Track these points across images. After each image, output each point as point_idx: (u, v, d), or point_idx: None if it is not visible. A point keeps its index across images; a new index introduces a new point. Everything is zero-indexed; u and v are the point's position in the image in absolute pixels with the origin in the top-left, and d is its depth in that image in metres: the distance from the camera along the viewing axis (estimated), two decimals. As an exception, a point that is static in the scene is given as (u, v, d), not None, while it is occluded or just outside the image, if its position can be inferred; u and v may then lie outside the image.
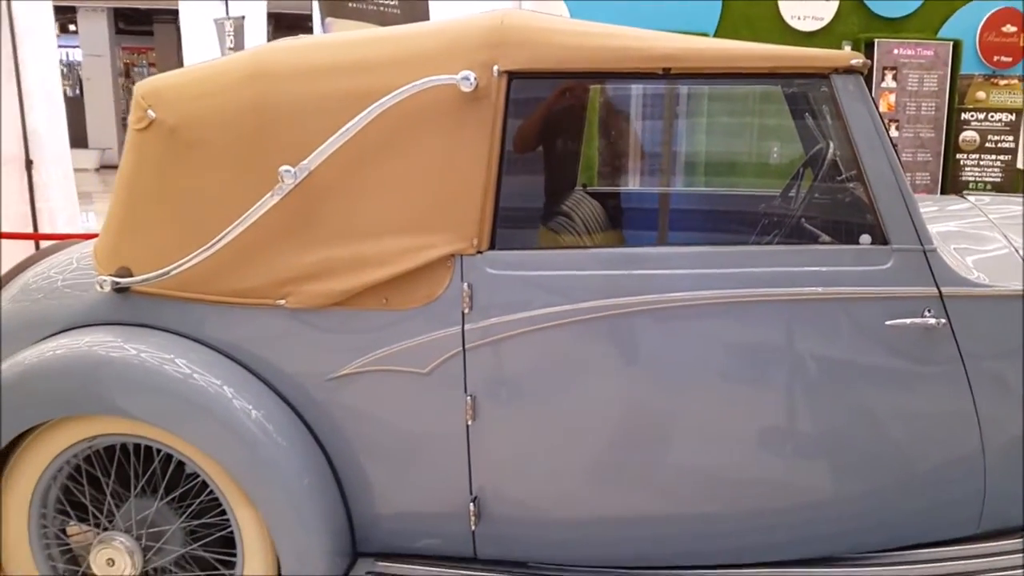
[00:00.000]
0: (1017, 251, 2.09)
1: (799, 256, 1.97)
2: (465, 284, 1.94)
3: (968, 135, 6.58)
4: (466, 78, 1.89)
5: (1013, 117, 6.62)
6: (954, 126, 6.66)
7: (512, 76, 1.93)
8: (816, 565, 2.03)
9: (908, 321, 1.91)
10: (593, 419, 2.00)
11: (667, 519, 2.06)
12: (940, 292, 1.92)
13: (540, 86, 2.26)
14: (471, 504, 2.01)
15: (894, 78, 6.58)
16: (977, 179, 6.64)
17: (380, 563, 2.05)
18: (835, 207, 2.24)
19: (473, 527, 2.03)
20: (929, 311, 1.92)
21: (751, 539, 2.06)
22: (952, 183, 6.67)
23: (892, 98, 6.60)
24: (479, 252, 1.94)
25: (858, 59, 1.93)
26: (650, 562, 2.06)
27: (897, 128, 6.65)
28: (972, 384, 1.97)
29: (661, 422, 2.00)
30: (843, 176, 2.13)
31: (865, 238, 1.94)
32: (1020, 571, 1.93)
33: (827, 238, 2.11)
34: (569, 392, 1.99)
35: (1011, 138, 6.59)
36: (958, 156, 6.64)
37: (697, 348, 1.98)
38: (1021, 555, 1.98)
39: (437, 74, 1.90)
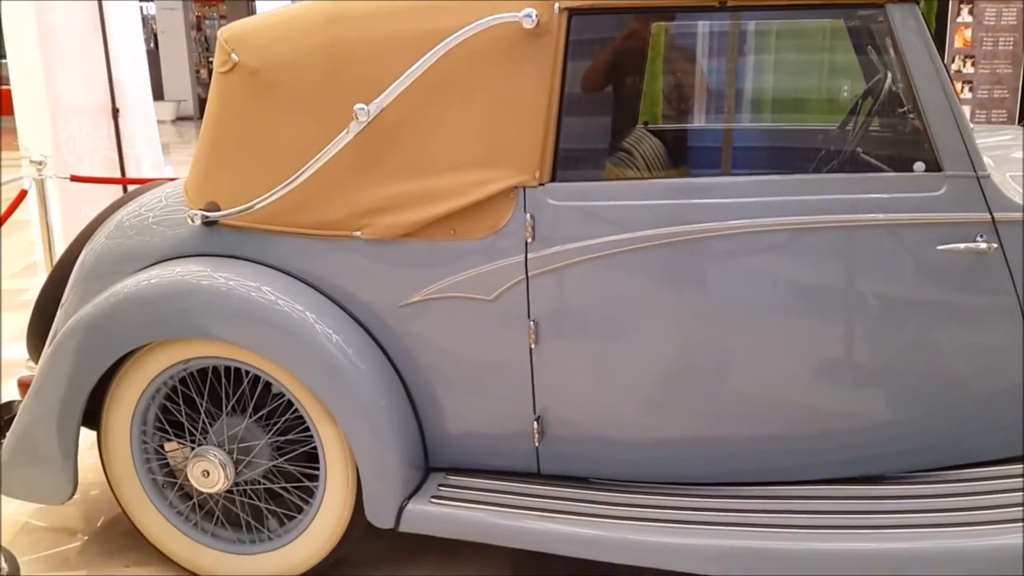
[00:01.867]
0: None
1: (854, 184, 2.02)
2: (528, 215, 2.04)
3: (1048, 69, 6.37)
4: (528, 15, 1.97)
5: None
6: (1034, 61, 6.45)
7: (572, 13, 2.00)
8: (870, 483, 2.11)
9: (961, 246, 1.96)
10: (652, 344, 2.10)
11: (724, 440, 2.16)
12: (993, 217, 1.96)
13: (600, 22, 2.32)
14: (534, 423, 2.14)
15: (970, 12, 6.38)
16: (1057, 115, 6.44)
17: (451, 477, 2.20)
18: (892, 137, 2.27)
19: (537, 444, 2.16)
20: (981, 236, 1.96)
21: (807, 459, 2.15)
22: (1030, 120, 6.48)
23: (968, 33, 6.41)
24: (541, 184, 2.04)
25: None
26: (707, 479, 2.17)
27: (973, 64, 6.47)
28: (1023, 310, 2.00)
29: (718, 347, 2.09)
30: (899, 106, 2.15)
31: (919, 165, 1.97)
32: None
33: (884, 167, 2.15)
34: (629, 318, 2.09)
35: (1098, 72, 6.35)
36: (1037, 92, 6.44)
37: (755, 276, 2.05)
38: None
39: (501, 12, 1.98)
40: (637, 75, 3.04)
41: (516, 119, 2.03)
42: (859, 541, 1.92)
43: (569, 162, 2.10)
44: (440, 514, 2.07)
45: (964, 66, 6.43)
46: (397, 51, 2.04)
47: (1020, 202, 1.98)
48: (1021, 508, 1.95)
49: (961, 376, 2.08)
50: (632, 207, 2.04)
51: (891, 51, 2.02)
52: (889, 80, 2.16)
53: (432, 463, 2.24)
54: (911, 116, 2.00)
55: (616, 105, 2.87)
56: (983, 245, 1.95)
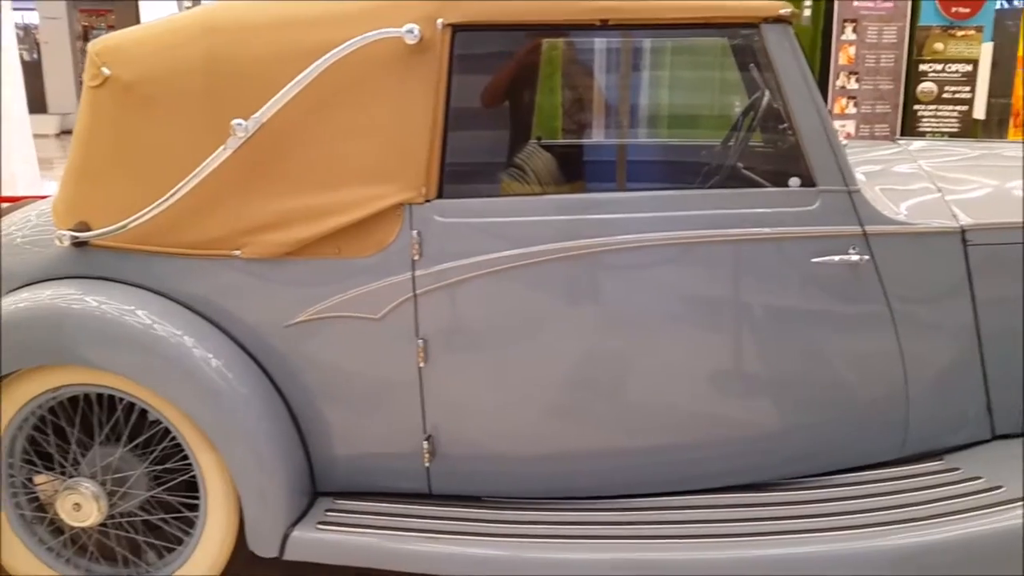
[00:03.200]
0: (939, 190, 2.20)
1: (736, 199, 2.06)
2: (414, 232, 2.01)
3: (926, 86, 6.68)
4: (410, 31, 1.95)
5: (970, 68, 6.73)
6: (912, 78, 6.77)
7: (456, 28, 1.99)
8: (758, 490, 2.15)
9: (835, 258, 2.02)
10: (546, 360, 2.09)
11: (617, 453, 2.17)
12: (864, 230, 2.02)
13: (487, 39, 2.32)
14: (424, 443, 2.11)
15: (854, 30, 6.66)
16: (934, 130, 6.76)
17: (339, 501, 2.15)
18: (771, 153, 2.33)
19: (427, 464, 2.13)
20: (853, 248, 2.02)
21: (699, 468, 2.18)
22: (910, 134, 6.79)
23: (852, 50, 6.68)
24: (427, 201, 2.01)
25: (786, 8, 2.00)
26: (600, 492, 2.17)
27: (857, 80, 6.74)
28: (895, 317, 2.08)
29: (612, 361, 2.10)
30: (777, 123, 2.21)
31: (794, 181, 2.03)
32: (940, 489, 2.05)
33: (764, 182, 2.21)
34: (523, 334, 2.08)
35: (968, 88, 6.70)
36: (916, 107, 6.75)
37: (647, 289, 2.07)
38: (941, 475, 2.10)
39: (384, 27, 1.95)
40: (530, 91, 3.05)
41: (401, 135, 2.00)
42: (750, 548, 1.95)
43: (457, 178, 2.08)
44: (326, 540, 2.02)
45: (848, 82, 6.70)
46: (278, 65, 1.99)
47: (889, 215, 2.05)
48: (903, 510, 2.02)
49: (841, 382, 2.14)
50: (524, 223, 2.04)
51: (764, 68, 2.07)
52: (767, 98, 2.21)
53: (320, 487, 2.18)
54: (788, 133, 2.06)
55: (507, 121, 2.88)
56: (855, 257, 2.02)
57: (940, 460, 2.18)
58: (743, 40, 2.37)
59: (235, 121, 1.96)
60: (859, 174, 2.13)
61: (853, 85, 6.69)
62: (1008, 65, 6.98)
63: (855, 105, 6.70)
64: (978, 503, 1.97)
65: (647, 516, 2.10)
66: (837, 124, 6.77)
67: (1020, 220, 2.15)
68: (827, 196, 2.01)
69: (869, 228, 2.03)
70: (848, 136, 6.60)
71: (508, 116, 2.87)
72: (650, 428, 2.15)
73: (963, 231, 2.08)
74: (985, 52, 6.68)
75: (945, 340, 2.14)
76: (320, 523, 2.06)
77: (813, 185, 2.02)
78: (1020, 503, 1.92)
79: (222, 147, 1.98)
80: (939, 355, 2.14)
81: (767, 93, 2.26)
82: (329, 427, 2.13)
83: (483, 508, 2.13)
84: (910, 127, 6.74)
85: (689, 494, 2.18)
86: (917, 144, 2.61)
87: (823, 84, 6.74)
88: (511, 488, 2.18)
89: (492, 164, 2.61)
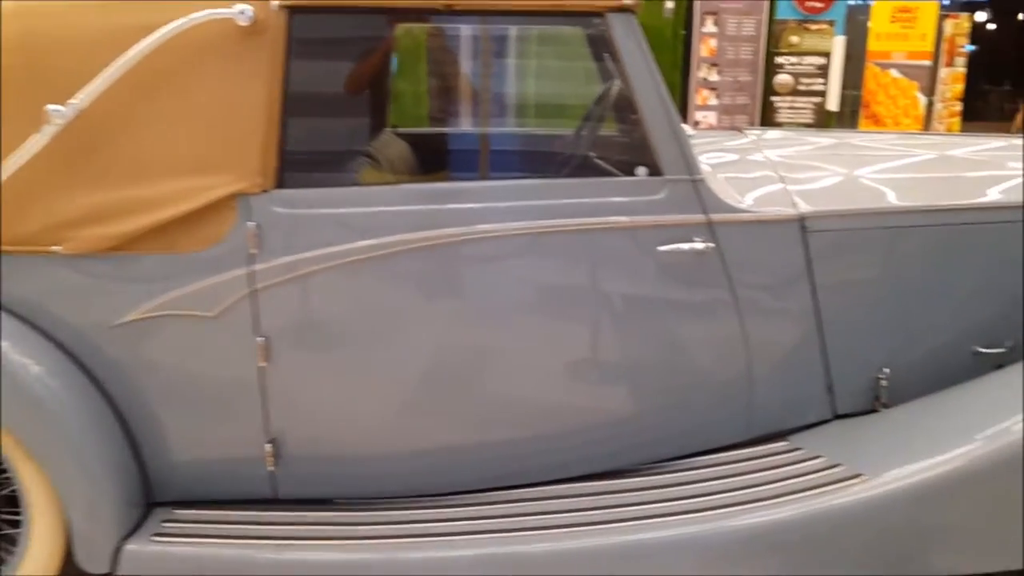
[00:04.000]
0: (781, 179, 2.25)
1: (588, 188, 2.05)
2: (252, 224, 1.91)
3: (782, 78, 6.95)
4: (243, 12, 1.85)
5: (824, 61, 7.03)
6: (770, 70, 7.02)
7: (293, 11, 1.89)
8: (614, 478, 2.16)
9: (682, 247, 2.03)
10: (401, 354, 2.03)
11: (474, 447, 2.13)
12: (708, 219, 2.05)
13: (330, 22, 2.23)
14: (268, 446, 2.01)
15: (714, 23, 6.85)
16: (791, 120, 7.04)
17: (177, 511, 2.03)
18: (620, 142, 2.34)
19: (272, 469, 2.04)
20: (698, 237, 2.04)
21: (556, 458, 2.16)
22: (769, 125, 7.05)
23: (713, 43, 6.87)
24: (265, 191, 1.91)
25: None
26: (458, 488, 2.13)
27: (718, 72, 6.94)
28: (739, 303, 2.12)
29: (470, 353, 2.06)
30: (626, 112, 2.22)
31: (642, 170, 2.04)
32: (784, 469, 2.11)
33: (615, 171, 2.21)
34: (375, 328, 2.01)
35: (822, 81, 7.00)
36: (773, 99, 7.01)
37: (495, 280, 2.04)
38: (785, 455, 2.16)
39: (213, 8, 1.85)
40: (384, 78, 2.96)
41: (233, 123, 1.89)
42: (607, 536, 1.95)
43: (300, 167, 1.99)
44: (161, 552, 1.90)
45: (710, 74, 6.89)
46: (100, 47, 1.85)
47: (733, 204, 2.08)
48: (749, 491, 2.06)
49: (689, 368, 2.17)
50: (374, 213, 1.97)
51: (614, 59, 2.07)
52: (614, 86, 2.21)
53: (157, 497, 2.05)
54: (636, 122, 2.06)
55: (358, 108, 2.79)
56: (700, 245, 2.04)
57: (785, 441, 2.24)
58: (595, 30, 2.37)
59: (51, 107, 1.81)
60: (704, 164, 2.15)
61: (714, 77, 6.88)
62: (859, 58, 7.33)
63: (717, 96, 6.91)
64: (819, 481, 2.03)
65: (505, 510, 2.08)
66: (699, 115, 6.96)
67: (857, 207, 2.23)
68: (672, 185, 2.03)
69: (713, 217, 2.05)
70: (697, 126, 6.78)
71: (359, 104, 2.78)
72: (505, 421, 2.13)
73: (802, 219, 2.14)
74: (837, 45, 6.98)
75: (787, 325, 2.20)
76: (156, 535, 1.94)
77: (659, 174, 2.03)
78: (857, 479, 1.98)
79: (36, 135, 1.83)
80: (782, 339, 2.20)
81: (615, 82, 2.26)
82: (165, 433, 2.01)
83: (333, 511, 2.06)
84: (768, 118, 7.00)
85: (546, 485, 2.16)
86: (765, 134, 2.67)
87: (685, 76, 6.92)
88: (365, 489, 2.11)
89: (340, 153, 2.52)
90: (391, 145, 2.82)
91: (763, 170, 2.30)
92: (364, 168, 2.56)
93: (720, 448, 2.24)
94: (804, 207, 2.16)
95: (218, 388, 1.99)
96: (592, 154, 2.37)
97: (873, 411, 2.30)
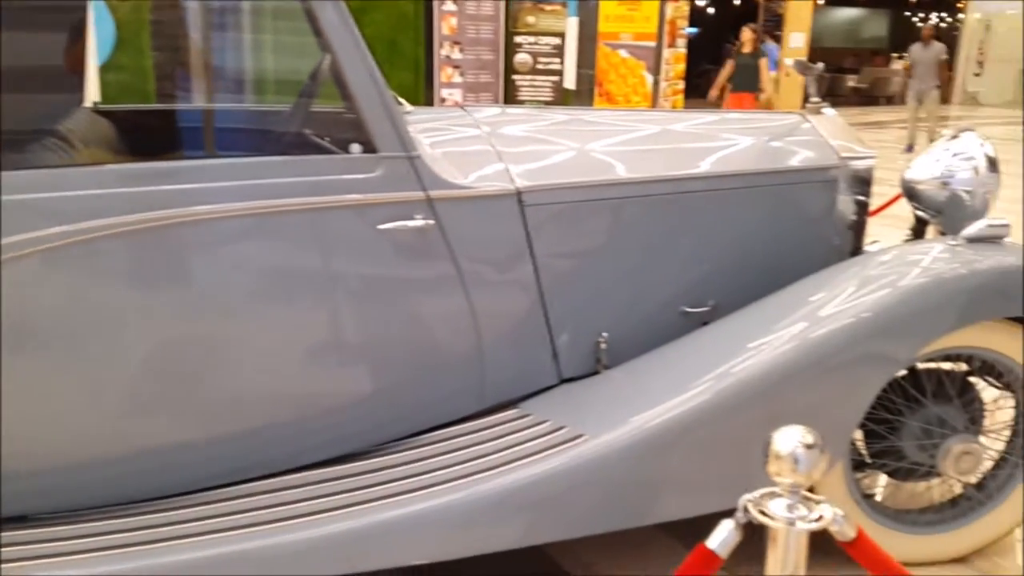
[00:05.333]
0: (500, 155, 2.30)
1: (301, 167, 1.99)
2: None
3: (521, 57, 7.18)
4: None
5: (559, 41, 7.33)
6: (510, 49, 7.22)
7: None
8: (340, 463, 2.13)
9: (400, 224, 2.03)
10: (108, 350, 1.87)
11: (198, 444, 2.01)
12: (428, 195, 2.06)
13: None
14: None
15: (454, 1, 6.92)
16: (532, 98, 7.30)
17: None
18: (336, 119, 2.29)
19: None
20: (419, 214, 2.05)
21: (285, 448, 2.10)
22: (512, 103, 7.26)
23: (454, 21, 6.95)
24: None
25: None
26: (185, 487, 2.01)
27: (461, 50, 7.04)
28: (464, 278, 2.15)
29: (183, 344, 1.95)
30: (340, 88, 2.17)
31: (355, 147, 2.00)
32: (515, 435, 2.17)
33: (334, 148, 2.16)
34: (74, 324, 1.83)
35: (558, 60, 7.30)
36: (515, 77, 7.23)
37: (211, 266, 1.93)
38: (516, 422, 2.23)
39: None
40: (77, 50, 2.70)
41: None
42: (354, 519, 1.91)
43: None
44: None
45: (453, 52, 6.97)
46: None
47: (451, 180, 2.10)
48: (484, 459, 2.10)
49: (420, 344, 2.18)
50: (66, 198, 1.78)
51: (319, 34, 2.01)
52: (325, 63, 2.16)
53: None
54: (346, 99, 2.02)
55: (45, 84, 2.52)
56: (421, 222, 2.05)
57: (516, 409, 2.31)
58: (305, 3, 2.29)
59: None
60: (423, 141, 2.16)
61: (457, 55, 6.97)
62: (591, 39, 7.72)
63: (461, 75, 7.00)
64: (546, 444, 2.12)
65: (231, 507, 1.98)
66: (444, 93, 7.03)
67: (570, 181, 2.33)
68: (388, 162, 2.01)
69: (432, 193, 2.06)
70: (443, 103, 6.85)
71: (47, 79, 2.51)
72: (234, 413, 2.03)
73: (519, 193, 2.20)
74: (571, 26, 7.31)
75: (512, 296, 2.27)
76: None
77: (374, 152, 2.00)
78: (580, 439, 2.08)
79: None
80: (507, 311, 2.27)
81: (327, 58, 2.20)
82: None
83: (30, 528, 1.86)
84: (511, 96, 7.21)
85: (283, 475, 2.09)
86: (486, 111, 2.72)
87: (428, 53, 6.95)
88: (69, 501, 1.93)
89: (21, 133, 2.28)
90: (89, 124, 2.58)
91: (482, 147, 2.34)
92: (51, 150, 2.32)
93: (456, 421, 2.28)
94: (521, 182, 2.22)
95: None
96: (309, 131, 2.31)
97: (595, 373, 2.42)
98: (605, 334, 2.41)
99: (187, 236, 1.89)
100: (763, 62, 8.97)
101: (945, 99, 20.13)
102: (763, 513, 1.23)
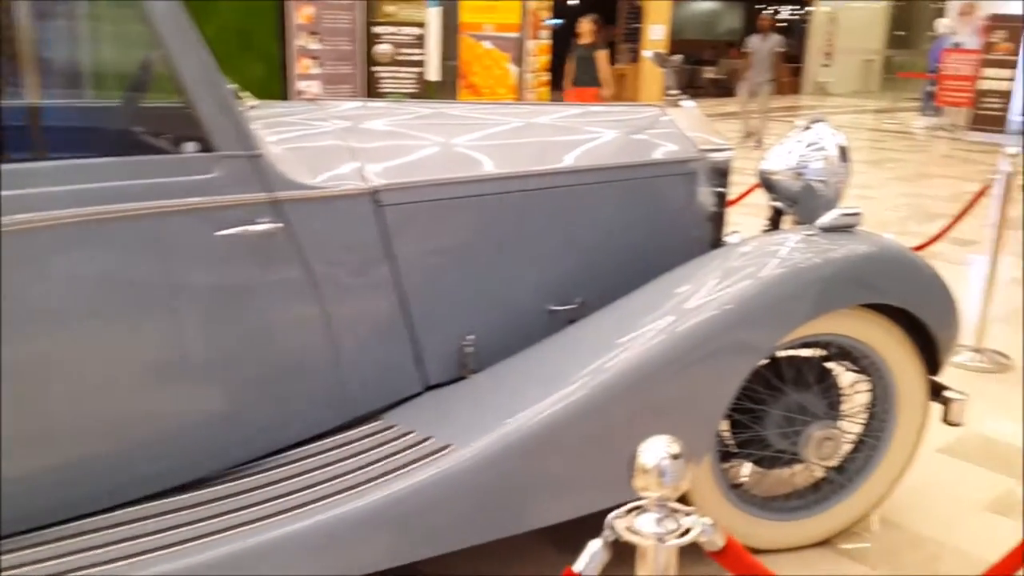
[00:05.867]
0: (353, 152, 2.18)
1: (132, 169, 1.80)
2: None
3: (382, 48, 6.99)
4: None
5: (421, 31, 7.19)
6: (371, 39, 7.03)
7: None
8: (191, 489, 1.96)
9: (243, 229, 1.88)
10: None
11: (22, 479, 1.80)
12: (273, 197, 1.91)
13: None
14: None
15: (309, -11, 6.68)
16: (395, 90, 7.13)
17: None
18: (170, 116, 2.11)
19: None
20: (263, 217, 1.90)
21: (121, 479, 1.91)
22: (374, 95, 7.07)
23: (311, 10, 6.70)
24: None
25: None
26: (8, 529, 1.80)
27: (319, 40, 6.80)
28: (319, 284, 2.02)
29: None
30: (170, 84, 1.99)
31: (190, 146, 1.84)
32: (380, 449, 2.06)
33: (169, 148, 1.98)
34: None
35: (420, 51, 7.16)
36: (375, 69, 7.04)
37: (36, 280, 1.72)
38: (380, 435, 2.12)
39: None
40: None
41: None
42: (196, 554, 1.74)
43: None
44: None
45: (310, 42, 6.72)
46: None
47: (299, 180, 1.97)
48: (348, 476, 1.98)
49: (273, 358, 2.03)
50: None
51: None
52: (158, 55, 1.98)
53: None
54: (180, 95, 1.85)
55: None
56: (266, 226, 1.90)
57: (379, 420, 2.20)
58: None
59: None
60: (270, 138, 2.01)
61: (315, 45, 6.73)
62: (454, 29, 7.62)
63: (319, 65, 6.77)
64: (413, 456, 2.02)
65: (69, 546, 1.79)
66: (302, 85, 6.78)
67: (430, 178, 2.23)
68: (227, 162, 1.86)
69: (278, 194, 1.92)
70: (300, 96, 6.61)
71: None
72: (66, 441, 1.83)
73: (375, 192, 2.09)
74: (433, 17, 7.18)
75: (370, 301, 2.15)
76: None
77: (212, 150, 1.84)
78: (447, 449, 1.99)
79: None
80: (366, 317, 2.15)
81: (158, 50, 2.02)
82: None
83: None
84: (372, 88, 7.02)
85: (123, 507, 1.91)
86: (341, 106, 2.58)
87: (283, 43, 6.68)
88: None
89: None
90: None
91: (335, 143, 2.21)
92: None
93: (316, 436, 2.14)
94: (376, 180, 2.10)
95: None
96: (142, 129, 2.12)
97: (462, 378, 2.34)
98: (471, 337, 2.32)
99: (9, 247, 1.68)
100: (602, 54, 8.41)
101: (784, 91, 21.21)
102: (631, 530, 1.17)
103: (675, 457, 1.17)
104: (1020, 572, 1.72)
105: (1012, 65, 12.30)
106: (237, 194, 1.86)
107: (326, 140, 2.22)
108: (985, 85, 12.46)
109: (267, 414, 2.06)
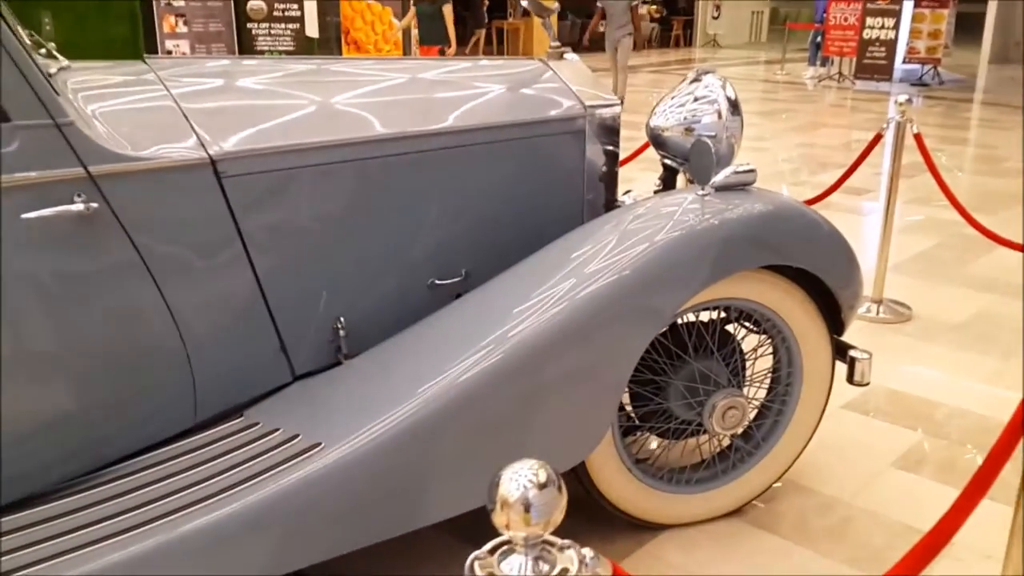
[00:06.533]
0: (188, 118, 1.89)
1: None
2: None
3: (255, 4, 6.54)
4: None
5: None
6: (242, -5, 6.57)
7: None
8: (25, 507, 1.68)
9: (53, 211, 1.58)
10: None
11: None
12: (88, 172, 1.62)
13: None
14: None
15: (170, -59, 6.17)
16: (272, 48, 6.70)
17: None
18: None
19: None
20: (79, 195, 1.61)
21: None
22: (249, 53, 6.63)
23: (173, -37, 6.20)
24: None
25: None
26: None
27: (185, -3, 6.30)
28: (153, 269, 1.75)
29: None
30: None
31: (-24, 115, 1.53)
32: (240, 452, 1.82)
33: None
34: None
35: (296, 7, 6.74)
36: (249, 26, 6.59)
37: None
38: (240, 435, 1.88)
39: None
40: None
41: None
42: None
43: None
44: None
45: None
46: None
47: (120, 151, 1.68)
48: (209, 484, 1.74)
49: (107, 356, 1.76)
50: None
51: None
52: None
53: None
54: None
55: None
56: (81, 206, 1.61)
57: (240, 417, 1.95)
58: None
59: None
60: (87, 106, 1.71)
61: (180, 2, 6.24)
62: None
63: (186, 24, 6.28)
64: (278, 458, 1.78)
65: None
66: (170, 44, 6.29)
67: (278, 145, 1.96)
68: (28, 133, 1.55)
69: (95, 169, 1.63)
70: (170, 55, 6.14)
71: None
72: None
73: (214, 162, 1.81)
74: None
75: (219, 284, 1.88)
76: None
77: (6, 120, 1.54)
78: (316, 449, 1.77)
79: None
80: (215, 302, 1.88)
81: None
82: None
83: None
84: (247, 46, 6.58)
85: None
86: (176, 67, 2.25)
87: (147, 2, 6.16)
88: None
89: None
90: None
91: (165, 109, 1.91)
92: None
93: (170, 439, 1.88)
94: (216, 149, 1.83)
95: None
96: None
97: (337, 364, 2.11)
98: (343, 319, 2.09)
99: None
100: (447, 9, 7.93)
101: (678, 44, 21.22)
102: (493, 576, 0.94)
103: (543, 486, 0.94)
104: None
105: (895, 14, 12.57)
106: (43, 170, 1.57)
107: (156, 104, 1.91)
108: (870, 34, 12.69)
109: (111, 417, 1.79)
